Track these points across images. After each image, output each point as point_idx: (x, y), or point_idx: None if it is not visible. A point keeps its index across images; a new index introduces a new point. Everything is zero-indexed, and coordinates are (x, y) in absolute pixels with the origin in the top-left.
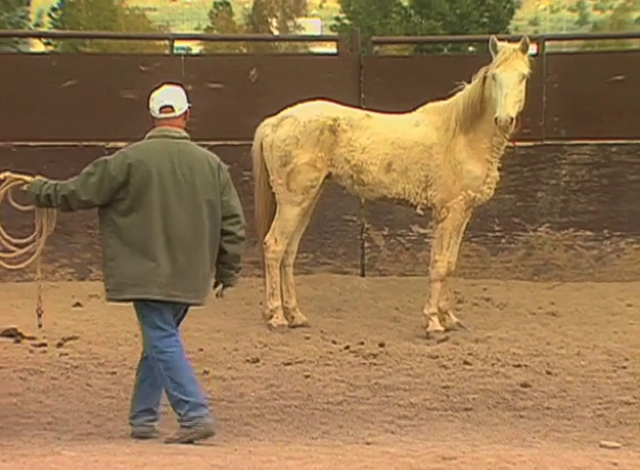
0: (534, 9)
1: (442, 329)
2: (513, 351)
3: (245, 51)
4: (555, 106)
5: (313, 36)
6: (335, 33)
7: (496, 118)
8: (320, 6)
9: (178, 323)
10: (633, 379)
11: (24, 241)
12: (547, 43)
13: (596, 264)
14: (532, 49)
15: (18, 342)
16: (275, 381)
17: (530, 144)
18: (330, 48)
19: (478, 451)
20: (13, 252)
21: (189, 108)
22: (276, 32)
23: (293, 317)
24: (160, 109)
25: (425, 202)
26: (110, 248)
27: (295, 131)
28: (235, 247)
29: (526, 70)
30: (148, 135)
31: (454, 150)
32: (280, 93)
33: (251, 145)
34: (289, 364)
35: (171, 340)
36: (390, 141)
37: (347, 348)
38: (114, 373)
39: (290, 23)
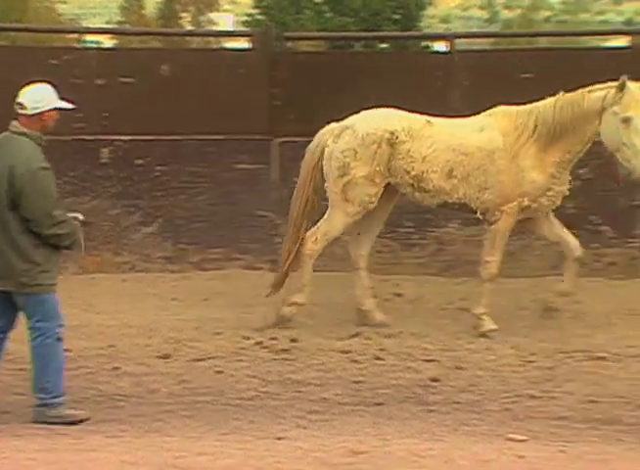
0: (446, 6)
1: (496, 327)
2: (424, 346)
3: (157, 45)
4: (464, 105)
5: (226, 31)
6: (247, 28)
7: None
8: (233, 1)
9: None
10: (540, 373)
11: None
12: (457, 41)
13: (506, 260)
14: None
15: None
16: (187, 377)
17: None
18: (243, 43)
19: (389, 445)
20: None
21: (55, 109)
22: (188, 27)
23: (368, 318)
24: (17, 104)
25: (480, 204)
26: None
27: (353, 143)
28: (54, 240)
29: None
30: None
31: (519, 157)
32: (192, 88)
33: (165, 140)
34: (201, 360)
35: None
36: (452, 148)
37: (260, 343)
38: (24, 369)
39: (202, 18)
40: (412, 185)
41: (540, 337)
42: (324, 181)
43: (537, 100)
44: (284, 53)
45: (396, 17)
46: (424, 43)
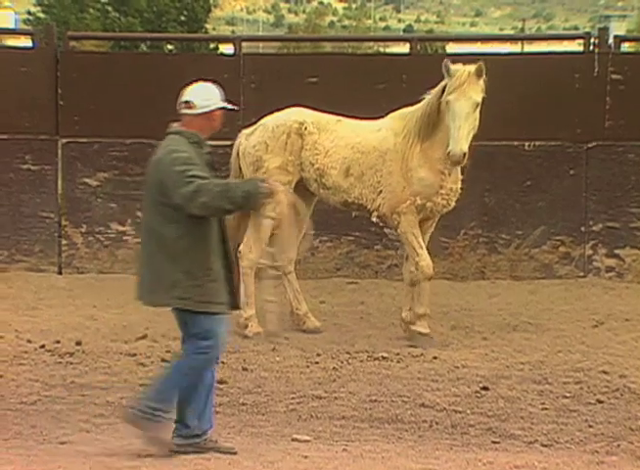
0: (231, 9)
1: (428, 331)
2: None
3: None
4: (251, 108)
5: (7, 29)
6: (29, 27)
7: (449, 152)
8: None
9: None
10: (325, 374)
11: None
12: (244, 44)
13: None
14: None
15: None
16: None
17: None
18: (25, 42)
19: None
20: None
21: (221, 109)
22: None
23: (304, 322)
24: (182, 103)
25: (377, 207)
26: None
27: (264, 137)
28: (205, 211)
29: (480, 97)
30: None
31: (408, 157)
32: None
33: None
34: None
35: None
36: (351, 145)
37: (43, 347)
38: None
39: None
40: (316, 180)
41: (326, 338)
42: None
43: (322, 103)
44: (67, 52)
45: (182, 18)
46: (211, 45)
